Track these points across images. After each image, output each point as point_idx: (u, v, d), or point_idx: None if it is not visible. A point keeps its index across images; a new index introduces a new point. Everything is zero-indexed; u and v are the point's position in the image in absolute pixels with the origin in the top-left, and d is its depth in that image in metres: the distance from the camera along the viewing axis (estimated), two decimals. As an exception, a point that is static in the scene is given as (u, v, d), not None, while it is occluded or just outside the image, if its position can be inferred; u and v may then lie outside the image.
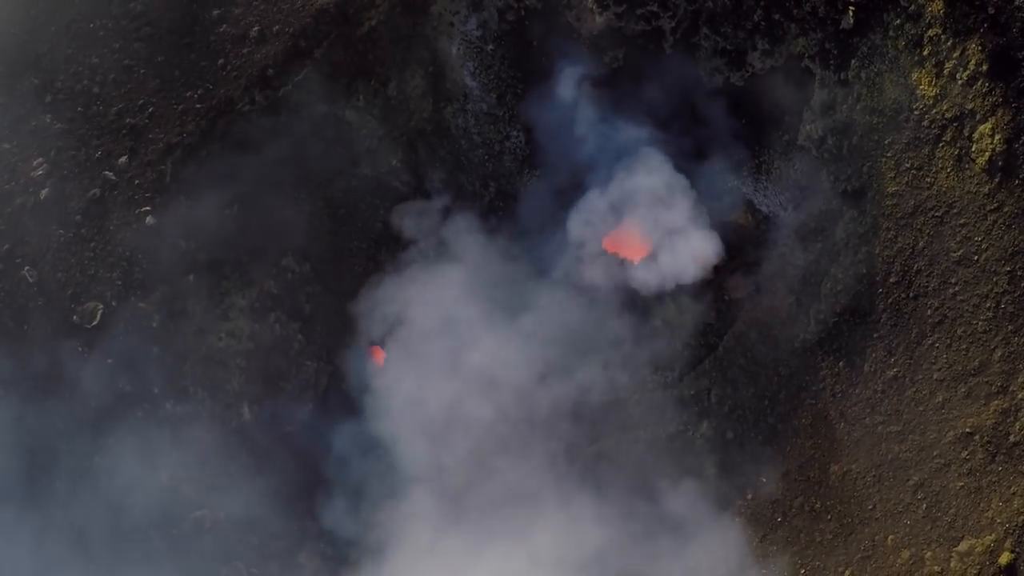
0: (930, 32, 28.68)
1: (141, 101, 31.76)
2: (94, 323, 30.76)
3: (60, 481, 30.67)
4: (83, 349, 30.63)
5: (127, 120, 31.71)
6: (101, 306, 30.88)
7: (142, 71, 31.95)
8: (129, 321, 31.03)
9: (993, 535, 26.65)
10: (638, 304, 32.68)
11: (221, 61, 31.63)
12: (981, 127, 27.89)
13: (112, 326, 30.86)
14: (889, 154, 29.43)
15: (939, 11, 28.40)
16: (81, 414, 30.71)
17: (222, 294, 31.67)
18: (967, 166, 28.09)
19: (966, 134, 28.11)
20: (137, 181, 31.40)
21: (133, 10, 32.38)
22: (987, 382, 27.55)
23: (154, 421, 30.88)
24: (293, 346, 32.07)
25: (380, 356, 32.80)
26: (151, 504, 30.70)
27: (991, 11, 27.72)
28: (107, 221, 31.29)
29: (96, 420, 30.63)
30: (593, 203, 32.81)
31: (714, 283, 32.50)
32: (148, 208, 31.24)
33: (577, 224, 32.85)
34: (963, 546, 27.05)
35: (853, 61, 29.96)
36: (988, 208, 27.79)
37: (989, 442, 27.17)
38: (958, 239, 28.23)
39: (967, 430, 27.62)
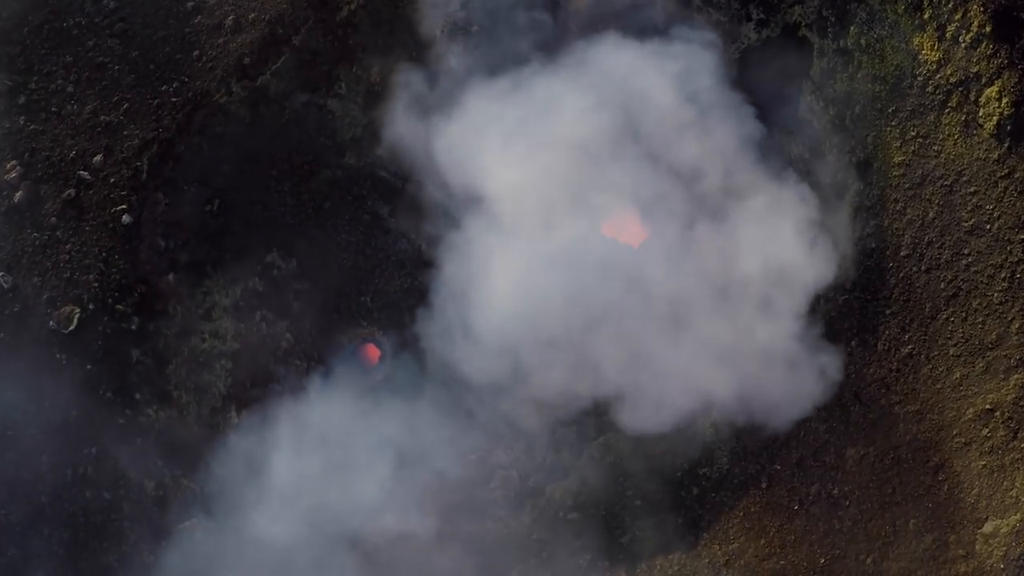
0: (930, -6, 28.42)
1: (116, 98, 31.37)
2: (71, 328, 30.30)
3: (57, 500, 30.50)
4: (61, 355, 30.20)
5: (102, 118, 31.32)
6: (78, 310, 30.40)
7: (116, 68, 31.59)
8: (107, 324, 30.59)
9: (1019, 515, 26.64)
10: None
11: (196, 53, 31.26)
12: (987, 91, 27.75)
13: (90, 330, 30.47)
14: (894, 123, 29.12)
15: (939, -30, 28.38)
16: (60, 423, 30.25)
17: (204, 293, 31.17)
18: (975, 132, 27.97)
19: (972, 99, 27.93)
20: (112, 180, 30.95)
21: (106, 7, 32.21)
22: (1006, 356, 27.46)
23: (137, 427, 30.51)
24: (281, 345, 31.54)
25: (375, 354, 32.31)
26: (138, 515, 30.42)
27: (993, -33, 27.66)
28: (83, 222, 30.82)
29: (77, 430, 30.27)
30: None
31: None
32: (124, 207, 30.81)
33: None
34: (988, 527, 26.99)
35: (852, 28, 29.61)
36: (998, 175, 27.75)
37: (1010, 418, 27.15)
38: (969, 208, 28.10)
39: (987, 407, 27.53)
